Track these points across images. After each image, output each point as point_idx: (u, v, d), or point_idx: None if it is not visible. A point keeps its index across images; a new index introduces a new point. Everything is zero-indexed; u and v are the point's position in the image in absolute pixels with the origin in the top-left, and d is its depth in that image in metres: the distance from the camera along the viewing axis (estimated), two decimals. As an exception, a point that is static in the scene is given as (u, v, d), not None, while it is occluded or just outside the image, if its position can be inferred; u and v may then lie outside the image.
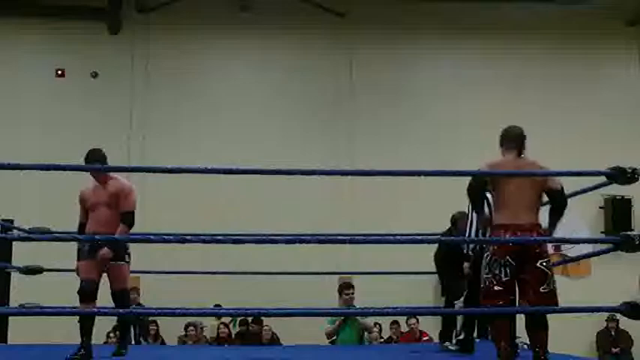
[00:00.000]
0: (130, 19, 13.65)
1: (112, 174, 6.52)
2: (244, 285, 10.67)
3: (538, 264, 5.22)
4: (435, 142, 13.34)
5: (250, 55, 13.94)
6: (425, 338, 11.33)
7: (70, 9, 13.46)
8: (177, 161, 11.14)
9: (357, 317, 9.31)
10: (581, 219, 12.95)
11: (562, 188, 5.47)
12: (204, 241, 5.25)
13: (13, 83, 13.33)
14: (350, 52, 13.80)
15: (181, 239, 5.20)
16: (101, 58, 13.50)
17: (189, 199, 12.63)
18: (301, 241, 5.52)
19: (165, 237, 5.64)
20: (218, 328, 11.85)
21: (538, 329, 5.35)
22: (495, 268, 5.24)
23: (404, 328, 12.06)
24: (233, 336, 12.04)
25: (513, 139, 5.52)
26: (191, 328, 11.82)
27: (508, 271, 5.22)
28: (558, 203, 5.49)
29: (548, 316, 5.33)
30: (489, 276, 5.27)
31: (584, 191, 6.05)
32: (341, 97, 13.76)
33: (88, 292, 6.24)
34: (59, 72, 13.42)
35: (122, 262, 6.38)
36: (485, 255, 5.37)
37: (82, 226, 6.52)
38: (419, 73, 14.17)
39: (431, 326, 11.32)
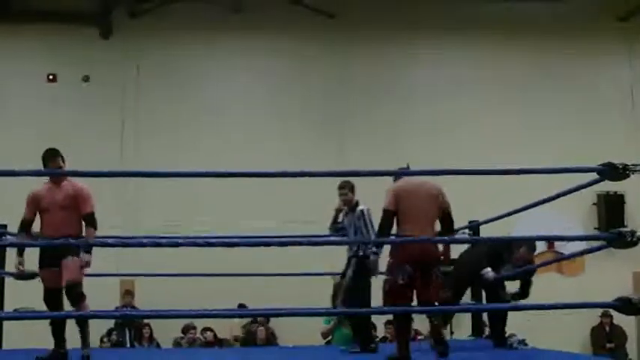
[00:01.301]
0: (121, 23, 13.64)
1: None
2: (242, 286, 10.69)
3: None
4: (431, 142, 13.37)
5: (242, 57, 13.93)
6: (419, 337, 11.33)
7: (61, 14, 13.46)
8: (171, 164, 11.13)
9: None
10: (574, 216, 13.00)
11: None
12: (196, 245, 5.25)
13: (4, 88, 13.32)
14: (343, 53, 13.82)
15: (175, 243, 5.19)
16: (93, 62, 13.49)
17: (184, 202, 12.66)
18: (294, 244, 5.53)
19: (157, 240, 5.62)
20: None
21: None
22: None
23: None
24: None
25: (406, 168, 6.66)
26: (192, 331, 11.82)
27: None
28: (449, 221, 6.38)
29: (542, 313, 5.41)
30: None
31: (576, 189, 6.05)
32: (334, 98, 13.77)
33: (54, 301, 6.28)
34: (50, 77, 13.42)
35: (74, 257, 6.20)
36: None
37: (27, 226, 6.41)
38: (412, 72, 14.19)
39: (425, 325, 11.36)
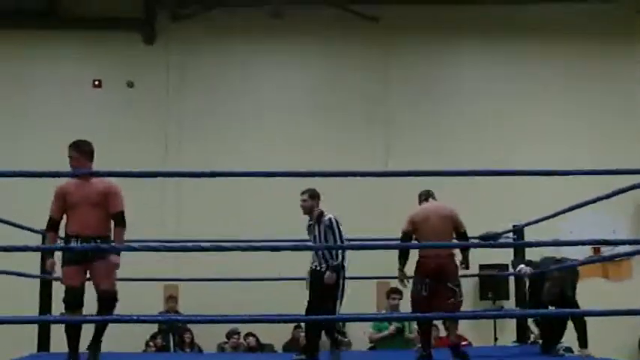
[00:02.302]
0: (164, 28, 13.75)
1: None
2: (284, 291, 10.69)
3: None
4: (475, 142, 13.29)
5: (284, 61, 13.95)
6: (464, 343, 11.22)
7: (105, 20, 13.62)
8: (215, 168, 11.15)
9: (407, 332, 10.30)
10: (620, 219, 12.83)
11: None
12: (240, 249, 5.26)
13: (50, 94, 13.49)
14: (385, 55, 13.79)
15: (219, 247, 5.21)
16: (137, 67, 13.62)
17: (228, 205, 12.72)
18: (339, 248, 5.52)
19: (201, 244, 5.62)
20: None
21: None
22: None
23: (443, 332, 11.97)
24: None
25: (424, 194, 7.47)
26: (235, 336, 11.86)
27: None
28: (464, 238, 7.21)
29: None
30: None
31: (621, 191, 5.97)
32: (377, 101, 13.74)
33: (75, 301, 6.06)
34: (96, 82, 13.56)
35: (104, 260, 6.05)
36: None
37: (55, 224, 6.22)
38: (455, 73, 14.11)
39: (471, 330, 11.30)
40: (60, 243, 6.49)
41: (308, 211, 7.41)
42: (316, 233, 7.33)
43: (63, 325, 6.36)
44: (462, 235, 7.20)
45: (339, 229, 7.28)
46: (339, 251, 7.22)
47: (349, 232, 8.68)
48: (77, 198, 6.13)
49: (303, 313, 7.38)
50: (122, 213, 6.15)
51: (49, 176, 5.51)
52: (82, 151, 6.40)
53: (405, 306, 9.35)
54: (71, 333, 6.12)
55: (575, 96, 13.84)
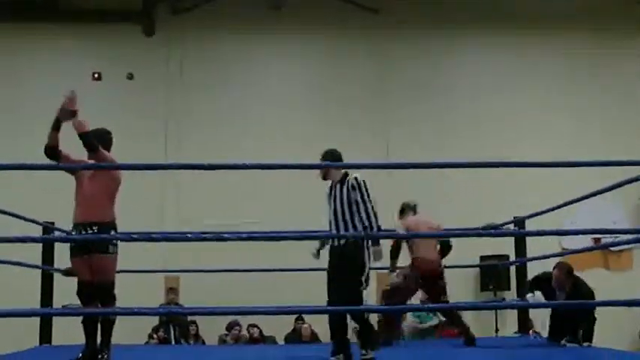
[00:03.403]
0: (164, 21, 13.74)
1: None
2: (283, 282, 10.69)
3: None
4: (475, 136, 13.29)
5: (285, 54, 13.95)
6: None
7: (105, 12, 13.60)
8: (214, 160, 11.14)
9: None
10: (621, 210, 12.83)
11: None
12: (240, 239, 5.25)
13: (50, 87, 13.44)
14: (385, 48, 13.77)
15: (219, 237, 5.20)
16: (137, 60, 13.61)
17: (228, 197, 12.72)
18: (339, 237, 5.51)
19: (202, 234, 5.63)
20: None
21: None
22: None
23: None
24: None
25: (412, 208, 8.26)
26: (237, 327, 11.87)
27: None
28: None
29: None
30: None
31: (625, 183, 5.97)
32: (378, 94, 13.73)
33: (89, 295, 5.94)
34: (96, 75, 13.55)
35: (106, 254, 5.94)
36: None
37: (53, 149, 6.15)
38: (456, 67, 14.09)
39: (472, 322, 11.29)
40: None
41: (333, 175, 6.32)
42: (337, 193, 6.22)
43: (64, 318, 6.32)
44: (446, 243, 8.12)
45: (366, 189, 6.15)
46: (372, 214, 6.12)
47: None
48: (80, 172, 6.21)
49: (303, 304, 6.78)
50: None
51: (49, 169, 5.51)
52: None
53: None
54: (90, 325, 6.00)
55: (575, 90, 13.82)
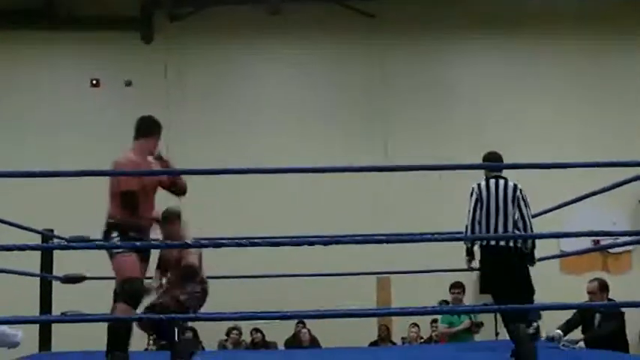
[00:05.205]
0: (162, 27, 13.76)
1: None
2: (284, 287, 10.68)
3: None
4: (474, 139, 13.26)
5: (283, 59, 13.95)
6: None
7: (103, 19, 13.62)
8: (214, 166, 11.16)
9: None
10: (620, 212, 12.82)
11: None
12: (240, 245, 5.25)
13: (49, 94, 13.49)
14: (383, 51, 13.79)
15: (218, 243, 5.20)
16: (135, 67, 13.62)
17: (229, 203, 12.71)
18: (338, 242, 5.51)
19: (200, 241, 5.62)
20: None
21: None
22: None
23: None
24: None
25: None
26: (234, 332, 11.86)
27: None
28: None
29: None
30: None
31: (623, 183, 5.97)
32: (376, 98, 13.74)
33: (141, 294, 5.79)
34: (94, 82, 13.56)
35: (113, 256, 5.81)
36: None
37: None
38: (453, 70, 14.11)
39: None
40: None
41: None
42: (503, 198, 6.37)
43: (64, 325, 6.30)
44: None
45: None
46: (529, 222, 6.24)
47: (349, 228, 8.70)
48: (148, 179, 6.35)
49: (304, 310, 7.06)
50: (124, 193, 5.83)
51: (49, 176, 5.51)
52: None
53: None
54: (121, 332, 5.84)
55: (576, 92, 13.83)
